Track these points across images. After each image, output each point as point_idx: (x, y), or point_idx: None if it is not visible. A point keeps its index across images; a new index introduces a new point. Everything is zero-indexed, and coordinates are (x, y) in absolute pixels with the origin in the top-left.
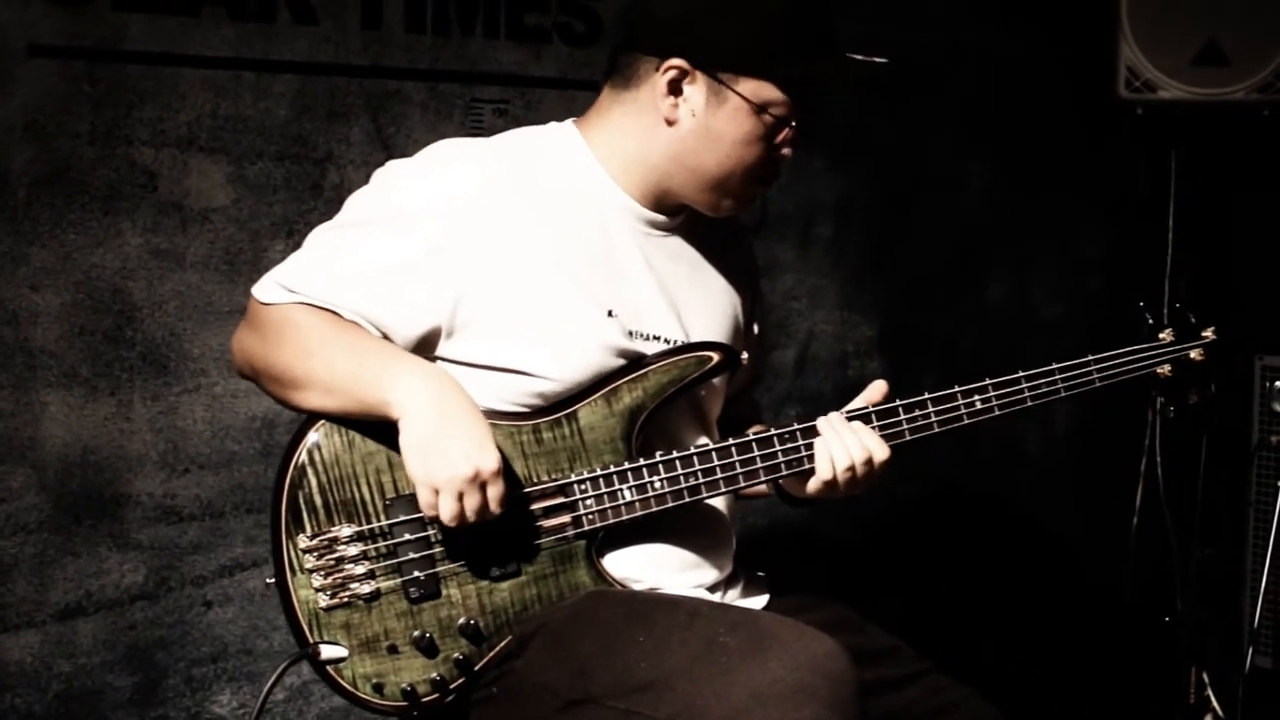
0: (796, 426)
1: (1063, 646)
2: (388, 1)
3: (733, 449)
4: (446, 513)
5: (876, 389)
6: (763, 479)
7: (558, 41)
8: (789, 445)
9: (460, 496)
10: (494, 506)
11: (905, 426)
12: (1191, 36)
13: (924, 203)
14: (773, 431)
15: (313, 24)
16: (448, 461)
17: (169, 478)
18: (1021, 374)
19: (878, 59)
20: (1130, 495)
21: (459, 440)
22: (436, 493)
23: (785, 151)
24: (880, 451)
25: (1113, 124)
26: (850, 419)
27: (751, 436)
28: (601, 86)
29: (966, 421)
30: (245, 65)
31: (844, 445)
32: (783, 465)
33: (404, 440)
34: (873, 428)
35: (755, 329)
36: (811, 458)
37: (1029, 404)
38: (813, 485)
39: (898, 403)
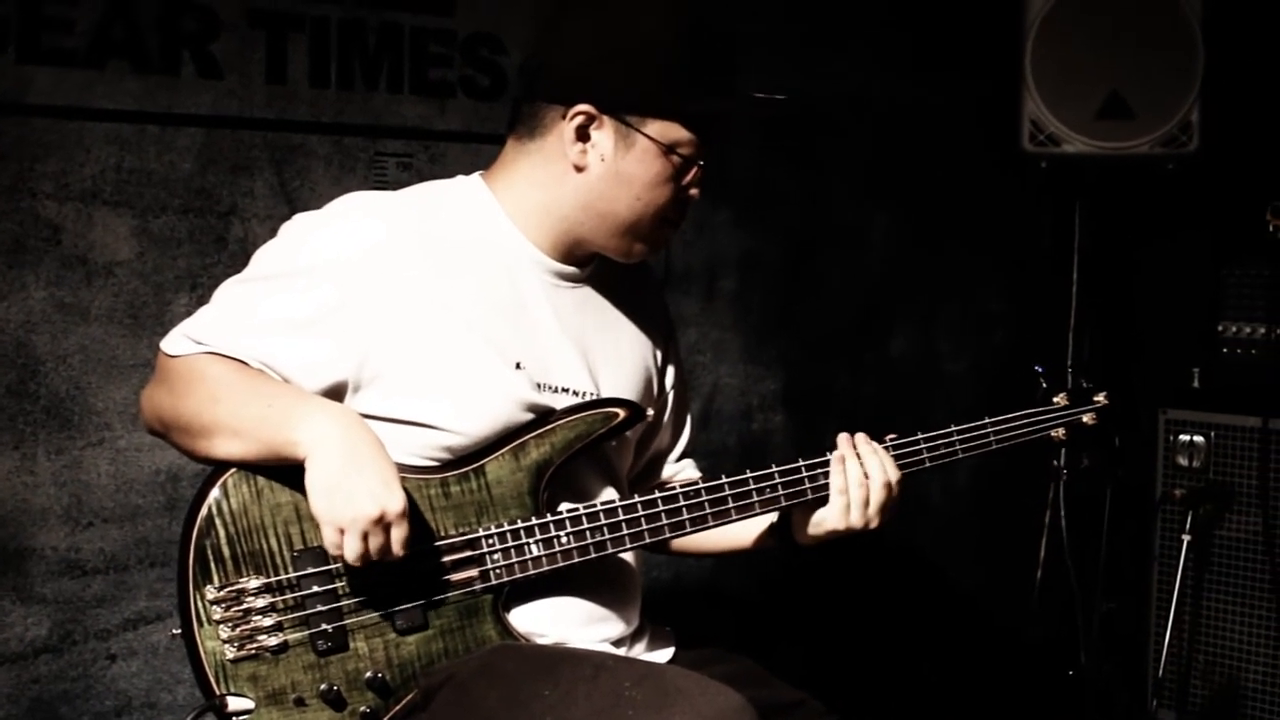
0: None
1: (968, 700)
2: (292, 56)
3: (638, 505)
4: (351, 552)
5: None
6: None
7: (462, 95)
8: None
9: (365, 537)
10: (398, 548)
11: (808, 486)
12: (1095, 90)
13: (828, 256)
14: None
15: (217, 78)
16: (352, 501)
17: (73, 531)
18: (920, 435)
19: (780, 95)
20: (1034, 548)
21: (364, 480)
22: (341, 532)
23: (693, 192)
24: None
25: (1017, 177)
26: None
27: (679, 489)
28: (505, 140)
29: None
30: (149, 119)
31: (859, 468)
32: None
33: (309, 479)
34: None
35: (670, 382)
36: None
37: (927, 465)
38: (827, 514)
39: (773, 467)
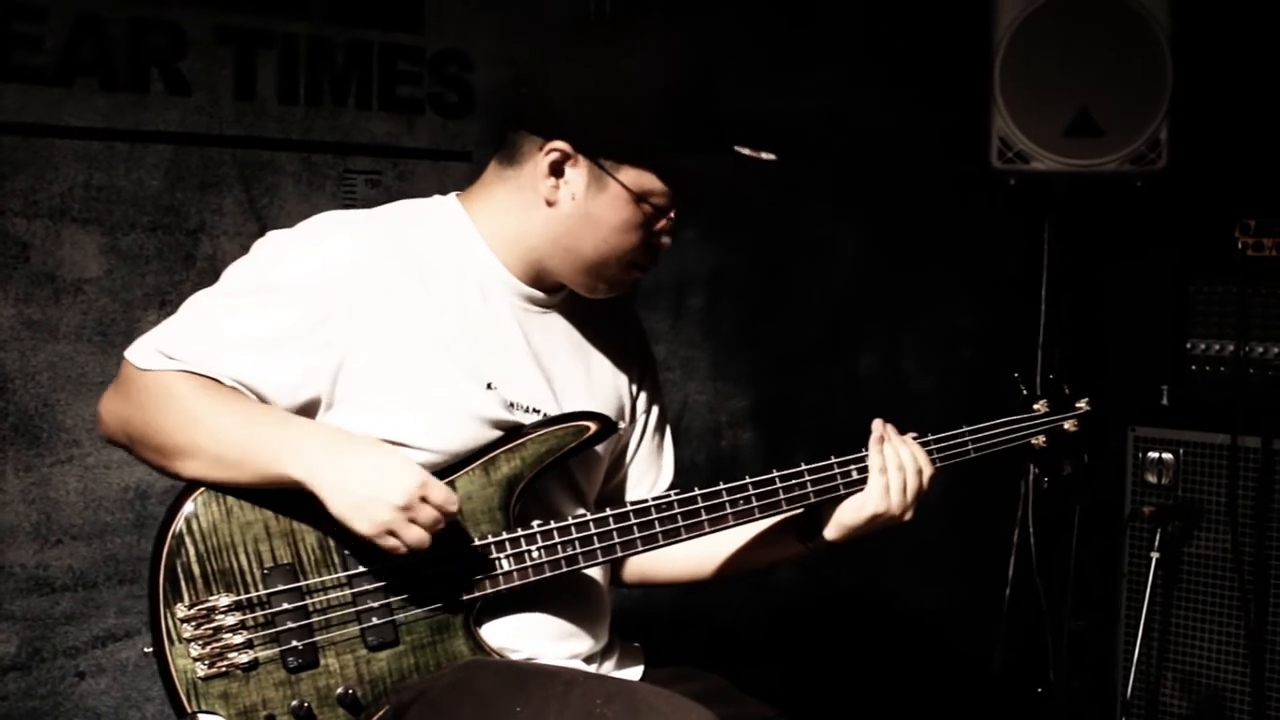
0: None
1: (935, 718)
2: (261, 72)
3: (610, 519)
4: (414, 541)
5: None
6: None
7: (430, 112)
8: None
9: (412, 521)
10: (448, 505)
11: (782, 497)
12: (1064, 108)
13: (797, 273)
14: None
15: (185, 95)
16: (381, 501)
17: (41, 548)
18: None
19: (765, 155)
20: (1002, 566)
21: (379, 477)
22: (394, 535)
23: (664, 240)
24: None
25: (986, 195)
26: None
27: (651, 502)
28: (489, 161)
29: (843, 492)
30: (118, 136)
31: (895, 452)
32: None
33: (335, 511)
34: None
35: (650, 411)
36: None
37: None
38: (867, 498)
39: (748, 480)
